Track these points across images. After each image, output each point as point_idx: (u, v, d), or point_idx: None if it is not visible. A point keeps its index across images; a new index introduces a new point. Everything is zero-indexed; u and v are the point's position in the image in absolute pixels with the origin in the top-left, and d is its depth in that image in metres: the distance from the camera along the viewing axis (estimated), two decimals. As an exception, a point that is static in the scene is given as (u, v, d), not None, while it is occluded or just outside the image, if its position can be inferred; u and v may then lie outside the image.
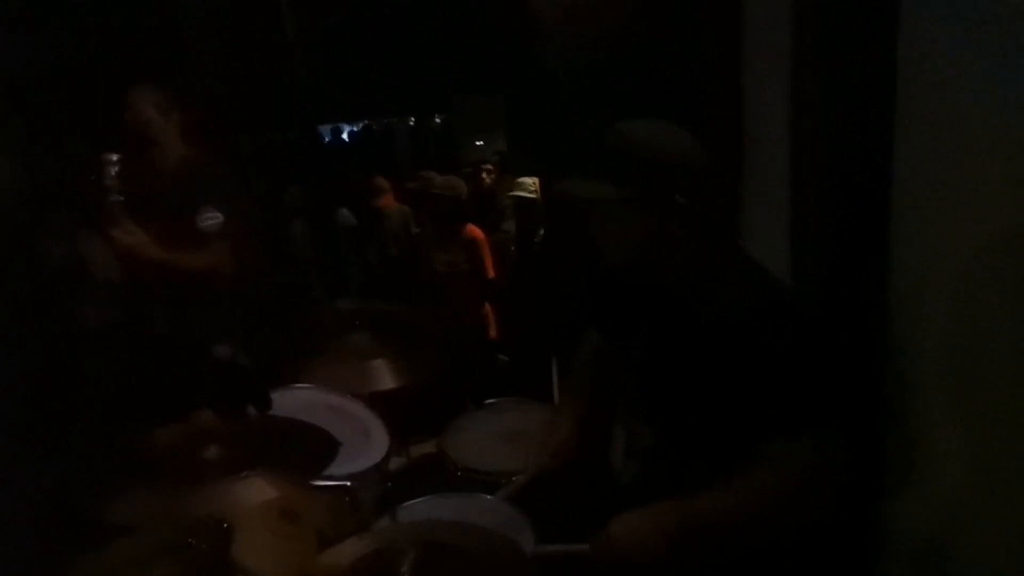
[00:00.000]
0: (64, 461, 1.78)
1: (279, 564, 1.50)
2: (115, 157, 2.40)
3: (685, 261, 1.47)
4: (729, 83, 2.25)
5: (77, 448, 1.81)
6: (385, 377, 2.05)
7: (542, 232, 3.87)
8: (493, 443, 2.10)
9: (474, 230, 3.92)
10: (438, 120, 9.42)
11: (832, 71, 1.77)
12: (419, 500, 1.82)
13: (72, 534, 1.51)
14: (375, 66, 7.60)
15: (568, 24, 2.83)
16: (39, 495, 1.73)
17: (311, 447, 1.75)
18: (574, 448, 1.77)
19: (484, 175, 5.93)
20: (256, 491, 1.51)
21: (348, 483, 1.86)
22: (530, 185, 4.15)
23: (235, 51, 4.31)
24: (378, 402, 2.15)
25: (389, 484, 1.96)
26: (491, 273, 3.81)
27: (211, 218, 2.54)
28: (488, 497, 1.77)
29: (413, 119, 9.69)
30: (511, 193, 4.17)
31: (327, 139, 9.13)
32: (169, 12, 4.43)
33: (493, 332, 3.83)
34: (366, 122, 9.71)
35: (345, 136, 9.29)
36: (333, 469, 1.74)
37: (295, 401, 2.04)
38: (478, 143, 8.60)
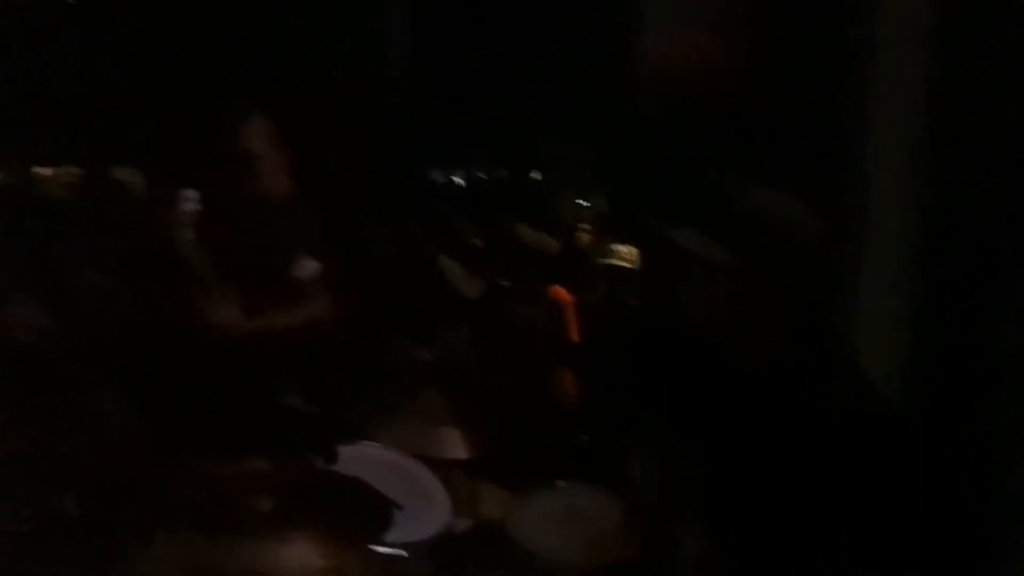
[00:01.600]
0: (105, 495, 1.76)
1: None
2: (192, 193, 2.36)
3: (783, 351, 1.37)
4: (852, 157, 2.14)
5: (121, 481, 1.79)
6: (455, 446, 2.02)
7: (634, 303, 3.75)
8: (557, 528, 1.99)
9: (560, 292, 3.84)
10: (541, 175, 9.48)
11: (971, 148, 1.64)
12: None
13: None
14: (487, 114, 7.72)
15: (685, 85, 2.76)
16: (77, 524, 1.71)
17: (368, 509, 1.69)
18: (636, 547, 1.67)
19: (581, 235, 5.88)
20: (302, 557, 1.45)
21: (403, 552, 1.79)
22: (626, 253, 4.05)
23: (348, 86, 4.40)
24: (446, 468, 2.08)
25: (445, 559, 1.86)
26: (575, 337, 3.70)
27: (307, 266, 2.46)
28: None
29: (517, 171, 9.81)
30: (606, 260, 4.07)
31: (429, 184, 9.31)
32: (284, 42, 4.58)
33: (571, 403, 3.69)
34: (470, 169, 9.88)
35: (447, 181, 9.45)
36: (389, 534, 1.68)
37: (358, 456, 1.98)
38: (579, 202, 8.58)
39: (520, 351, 3.53)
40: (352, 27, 4.51)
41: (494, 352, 3.47)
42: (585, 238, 5.82)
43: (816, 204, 1.41)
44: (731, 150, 2.51)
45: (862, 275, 2.04)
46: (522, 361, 3.50)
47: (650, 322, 3.11)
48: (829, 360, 1.44)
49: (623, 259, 4.01)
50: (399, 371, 2.23)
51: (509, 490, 2.16)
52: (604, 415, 3.28)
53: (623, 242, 4.11)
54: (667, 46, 2.76)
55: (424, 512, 1.95)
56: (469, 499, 2.05)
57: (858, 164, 2.14)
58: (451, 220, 5.45)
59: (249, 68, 4.30)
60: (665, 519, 1.71)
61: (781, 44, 2.49)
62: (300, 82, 4.14)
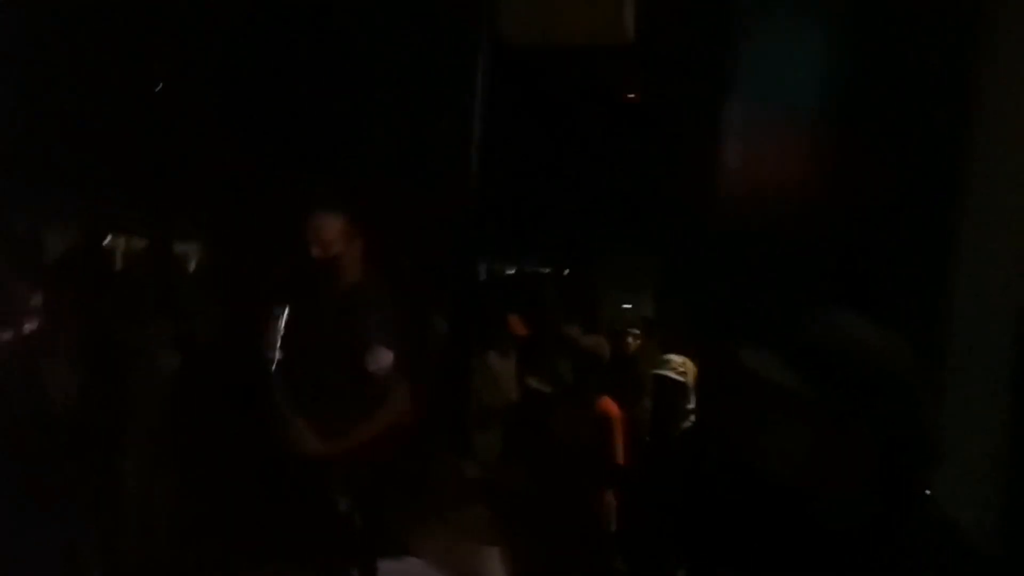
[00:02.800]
0: None
1: None
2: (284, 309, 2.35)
3: (861, 500, 1.22)
4: (931, 287, 2.03)
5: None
6: (497, 568, 1.89)
7: (687, 423, 3.54)
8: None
9: (609, 405, 3.65)
10: (590, 275, 9.44)
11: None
12: None
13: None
14: (542, 212, 7.83)
15: (760, 203, 2.69)
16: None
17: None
18: None
19: (629, 340, 5.70)
20: None
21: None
22: (679, 365, 3.84)
23: (416, 179, 4.47)
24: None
25: None
26: (620, 459, 3.51)
27: (382, 357, 2.40)
28: None
29: (567, 270, 9.78)
30: (655, 371, 3.88)
31: (481, 277, 9.33)
32: (352, 133, 4.71)
33: (613, 528, 3.49)
34: (520, 266, 9.90)
35: (496, 276, 9.45)
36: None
37: (397, 572, 1.86)
38: (625, 306, 8.46)
39: (566, 470, 3.37)
40: (425, 131, 4.64)
41: (539, 469, 3.33)
42: (633, 344, 5.67)
43: (907, 336, 1.27)
44: (812, 272, 2.42)
45: (956, 419, 1.89)
46: (567, 480, 3.33)
47: (705, 449, 2.95)
48: (917, 515, 1.28)
49: (675, 371, 3.79)
50: (444, 485, 2.12)
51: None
52: (648, 545, 3.09)
53: (676, 351, 3.92)
54: (743, 163, 2.71)
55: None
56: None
57: (955, 297, 2.02)
58: (505, 315, 5.39)
59: (331, 170, 4.44)
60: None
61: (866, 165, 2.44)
62: (375, 182, 4.24)
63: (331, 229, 2.53)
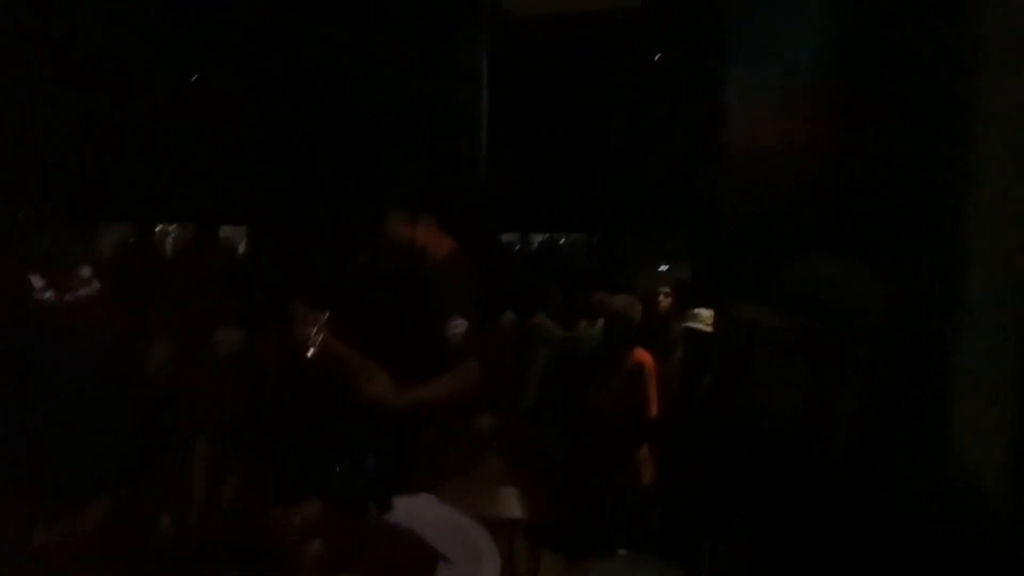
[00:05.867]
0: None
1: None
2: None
3: (856, 437, 1.25)
4: (942, 241, 2.02)
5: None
6: (514, 506, 1.95)
7: (710, 378, 3.59)
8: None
9: (643, 355, 3.72)
10: (621, 240, 9.41)
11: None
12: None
13: None
14: (567, 180, 7.83)
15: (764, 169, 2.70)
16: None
17: (416, 562, 1.66)
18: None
19: (661, 299, 5.73)
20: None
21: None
22: (707, 318, 3.90)
23: (436, 157, 4.56)
24: (504, 530, 2.02)
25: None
26: (653, 410, 3.56)
27: (458, 325, 2.42)
28: None
29: (597, 237, 9.76)
30: (685, 324, 3.94)
31: (515, 247, 9.37)
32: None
33: (647, 480, 3.53)
34: (550, 234, 9.92)
35: (527, 246, 9.46)
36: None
37: (414, 510, 1.95)
38: (661, 268, 8.40)
39: (600, 423, 3.42)
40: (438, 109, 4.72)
41: (572, 423, 3.38)
42: (664, 302, 5.70)
43: (905, 281, 1.30)
44: (820, 229, 2.43)
45: (961, 357, 1.89)
46: (601, 434, 3.38)
47: (724, 397, 2.97)
48: (919, 451, 1.32)
49: (704, 323, 3.84)
50: (460, 437, 2.20)
51: (568, 556, 2.07)
52: (677, 489, 3.13)
53: (703, 306, 3.98)
54: (750, 130, 2.71)
55: (473, 570, 1.90)
56: (525, 563, 1.98)
57: (954, 248, 2.02)
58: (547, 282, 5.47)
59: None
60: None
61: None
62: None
63: (399, 215, 2.57)
